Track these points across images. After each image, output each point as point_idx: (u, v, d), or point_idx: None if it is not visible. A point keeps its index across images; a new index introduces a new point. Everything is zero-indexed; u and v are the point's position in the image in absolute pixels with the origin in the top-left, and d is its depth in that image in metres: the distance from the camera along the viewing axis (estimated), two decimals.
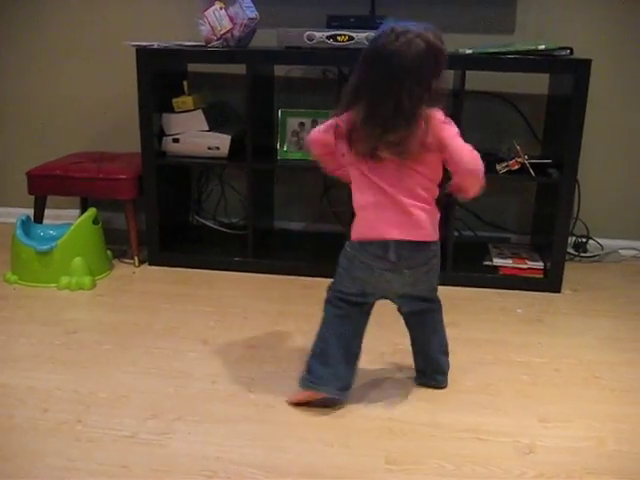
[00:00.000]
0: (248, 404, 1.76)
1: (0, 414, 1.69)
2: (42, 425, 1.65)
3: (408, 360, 1.89)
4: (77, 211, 2.95)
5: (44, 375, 1.88)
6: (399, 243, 1.62)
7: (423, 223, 1.64)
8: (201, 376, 1.89)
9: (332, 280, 1.76)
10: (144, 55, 2.53)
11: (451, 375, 1.89)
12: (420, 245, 1.65)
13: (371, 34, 2.40)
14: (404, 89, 1.52)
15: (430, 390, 1.84)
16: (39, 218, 2.77)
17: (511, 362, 2.02)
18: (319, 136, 1.73)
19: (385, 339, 2.10)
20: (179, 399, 1.77)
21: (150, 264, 2.74)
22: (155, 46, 2.55)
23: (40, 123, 3.18)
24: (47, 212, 2.82)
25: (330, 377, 1.72)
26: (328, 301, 1.75)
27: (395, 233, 1.62)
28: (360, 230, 1.68)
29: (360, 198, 1.67)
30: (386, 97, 1.54)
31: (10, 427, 1.64)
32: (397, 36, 1.52)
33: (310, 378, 1.73)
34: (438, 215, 1.70)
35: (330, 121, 1.68)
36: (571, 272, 2.66)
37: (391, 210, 1.63)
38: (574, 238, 2.93)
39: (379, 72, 1.54)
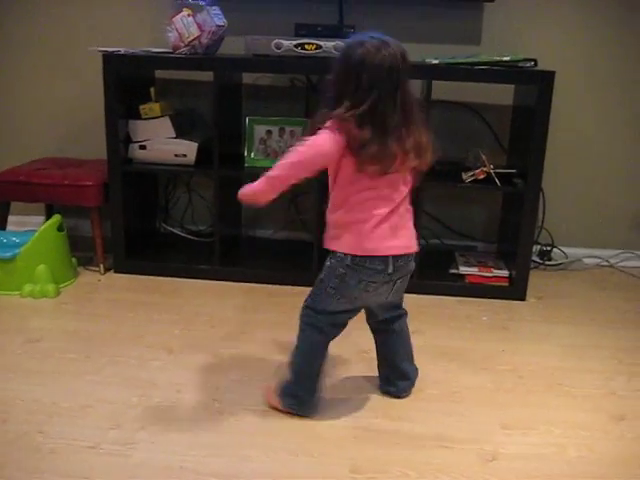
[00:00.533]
0: (212, 413, 1.75)
1: None
2: (2, 436, 1.62)
3: (375, 368, 1.89)
4: (42, 218, 2.91)
5: (5, 384, 1.85)
6: (398, 256, 1.64)
7: (414, 234, 1.69)
8: (165, 385, 1.88)
9: (311, 299, 1.71)
10: (111, 61, 2.51)
11: (416, 384, 1.90)
12: (412, 255, 1.68)
13: (339, 43, 2.44)
14: (405, 93, 1.56)
15: (395, 400, 1.84)
16: (2, 225, 2.73)
17: (476, 369, 2.03)
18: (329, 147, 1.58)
19: (352, 347, 2.10)
20: (143, 409, 1.76)
21: (116, 272, 2.72)
22: (122, 52, 2.53)
23: (4, 128, 3.14)
24: (11, 218, 2.78)
25: (314, 400, 1.75)
26: (311, 324, 1.71)
27: (397, 248, 1.63)
28: (360, 244, 1.62)
29: (360, 212, 1.61)
30: (392, 106, 1.55)
31: None
32: (378, 48, 1.54)
33: (296, 404, 1.74)
34: None
35: (327, 136, 1.57)
36: (536, 280, 2.70)
37: (393, 223, 1.63)
38: (539, 247, 2.97)
39: (380, 86, 1.53)
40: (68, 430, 1.65)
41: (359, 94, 1.54)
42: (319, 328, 1.70)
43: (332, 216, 1.67)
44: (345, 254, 1.63)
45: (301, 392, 1.73)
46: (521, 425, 1.75)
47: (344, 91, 1.56)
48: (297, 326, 1.74)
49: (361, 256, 1.61)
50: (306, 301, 1.73)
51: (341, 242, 1.64)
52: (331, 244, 1.67)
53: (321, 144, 1.57)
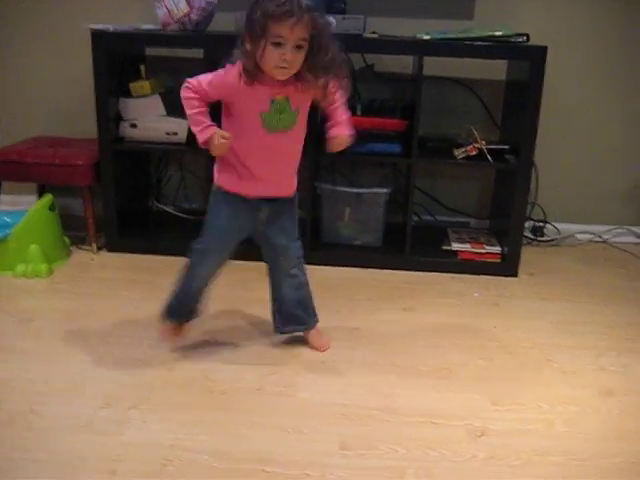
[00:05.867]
0: (204, 391, 1.76)
1: None
2: None
3: (363, 344, 1.90)
4: (34, 197, 2.90)
5: None
6: None
7: None
8: (157, 364, 1.88)
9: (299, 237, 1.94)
10: (100, 38, 2.49)
11: (407, 360, 1.93)
12: None
13: (330, 18, 2.41)
14: None
15: (385, 375, 1.86)
16: None
17: (466, 346, 2.05)
18: None
19: (342, 324, 2.11)
20: (134, 387, 1.77)
21: (109, 250, 2.72)
22: (111, 29, 2.51)
23: None
24: (3, 197, 2.78)
25: None
26: None
27: None
28: None
29: None
30: None
31: None
32: None
33: None
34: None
35: None
36: (528, 256, 2.71)
37: None
38: (532, 223, 2.97)
39: None
40: (61, 409, 1.66)
41: None
42: None
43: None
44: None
45: None
46: (510, 401, 1.76)
47: None
48: None
49: None
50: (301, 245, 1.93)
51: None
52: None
53: None
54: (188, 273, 1.90)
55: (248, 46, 1.61)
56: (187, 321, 1.98)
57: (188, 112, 1.70)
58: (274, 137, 1.71)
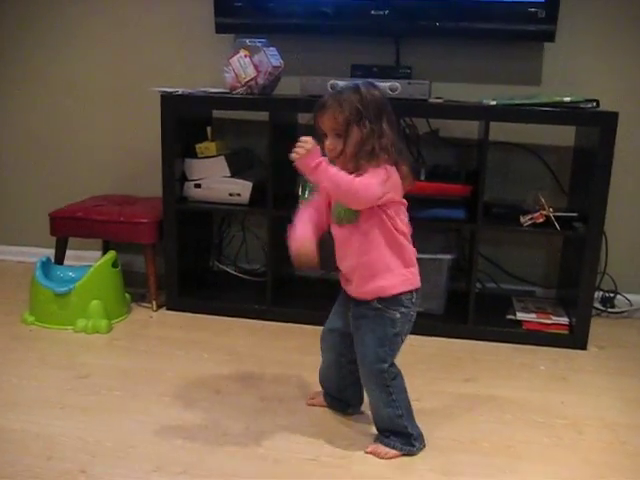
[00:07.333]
0: (256, 458, 1.71)
1: (2, 461, 1.65)
2: (44, 474, 1.61)
3: (423, 416, 1.82)
4: (99, 253, 2.95)
5: (51, 421, 1.85)
6: None
7: None
8: (211, 427, 1.84)
9: (385, 360, 1.72)
10: (169, 101, 2.56)
11: (468, 435, 1.83)
12: None
13: (394, 83, 2.42)
14: None
15: (445, 450, 1.77)
16: (60, 259, 2.78)
17: (532, 422, 1.94)
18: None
19: None
20: (186, 451, 1.72)
21: (168, 309, 2.72)
22: (180, 92, 2.57)
23: (63, 166, 3.22)
24: (69, 253, 2.83)
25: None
26: (394, 377, 1.74)
27: None
28: (416, 280, 1.76)
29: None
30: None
31: (11, 474, 1.60)
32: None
33: (418, 442, 1.76)
34: None
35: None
36: (598, 328, 2.58)
37: None
38: (601, 293, 2.85)
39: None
40: (110, 471, 1.63)
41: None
42: (398, 372, 1.76)
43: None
44: (413, 291, 1.75)
45: (416, 430, 1.76)
46: None
47: None
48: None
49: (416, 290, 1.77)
50: (381, 363, 1.72)
51: (408, 281, 1.75)
52: (400, 287, 1.73)
53: None
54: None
55: None
56: (329, 405, 1.97)
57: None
58: (343, 229, 1.73)
